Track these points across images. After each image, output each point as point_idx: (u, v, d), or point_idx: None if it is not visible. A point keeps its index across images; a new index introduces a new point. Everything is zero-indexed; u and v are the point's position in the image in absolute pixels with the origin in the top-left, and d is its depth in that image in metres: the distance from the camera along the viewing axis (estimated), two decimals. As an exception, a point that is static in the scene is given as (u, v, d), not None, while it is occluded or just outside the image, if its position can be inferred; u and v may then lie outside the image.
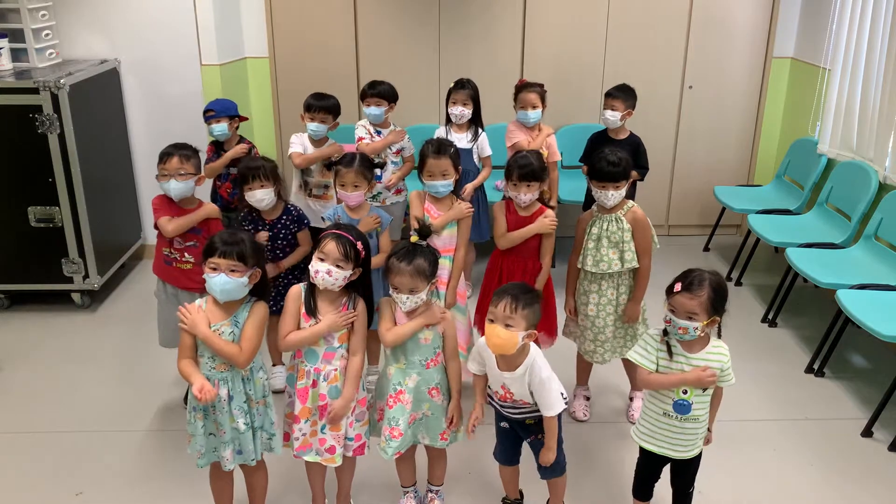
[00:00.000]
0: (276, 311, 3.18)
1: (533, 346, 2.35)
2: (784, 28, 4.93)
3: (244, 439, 2.35)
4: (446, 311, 2.51)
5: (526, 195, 2.99)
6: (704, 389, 2.28)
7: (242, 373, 2.32)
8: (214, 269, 2.23)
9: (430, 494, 2.73)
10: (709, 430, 2.39)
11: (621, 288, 3.01)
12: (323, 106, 3.78)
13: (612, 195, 2.90)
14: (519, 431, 2.51)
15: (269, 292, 2.44)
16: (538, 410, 2.38)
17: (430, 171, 3.03)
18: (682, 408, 2.29)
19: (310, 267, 2.33)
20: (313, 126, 3.78)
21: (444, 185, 3.04)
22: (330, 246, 2.30)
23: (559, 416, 2.41)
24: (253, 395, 2.35)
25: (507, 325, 2.24)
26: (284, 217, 3.19)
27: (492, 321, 2.27)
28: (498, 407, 2.48)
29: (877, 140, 3.98)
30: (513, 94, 4.03)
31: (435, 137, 3.52)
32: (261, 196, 3.08)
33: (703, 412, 2.32)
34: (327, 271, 2.29)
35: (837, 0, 4.31)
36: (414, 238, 2.45)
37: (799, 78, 4.94)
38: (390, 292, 2.41)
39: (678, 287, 2.24)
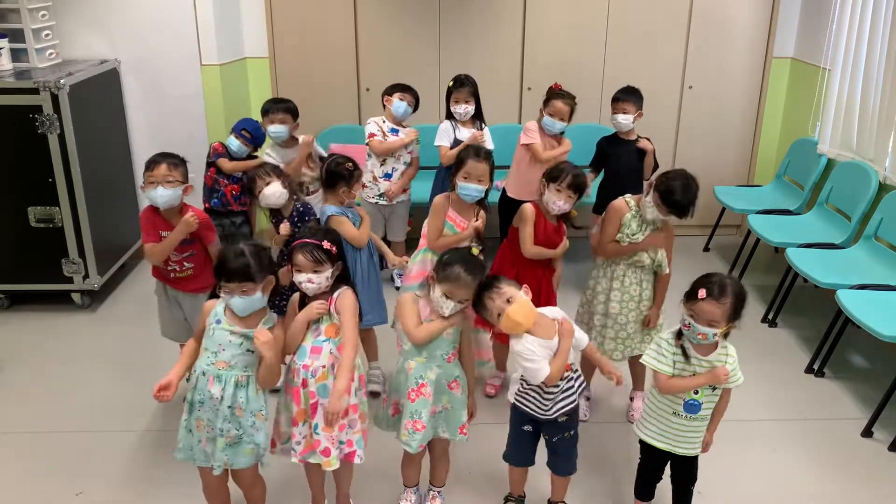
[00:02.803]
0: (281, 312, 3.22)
1: (549, 310, 2.44)
2: (784, 28, 4.93)
3: (216, 445, 2.31)
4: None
5: (565, 204, 2.98)
6: (714, 388, 2.31)
7: (238, 377, 2.29)
8: (228, 292, 2.25)
9: (431, 493, 2.73)
10: (709, 430, 2.41)
11: (644, 284, 3.01)
12: (281, 107, 3.82)
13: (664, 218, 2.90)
14: (548, 431, 2.50)
15: (279, 297, 2.47)
16: (570, 397, 2.42)
17: (467, 171, 3.01)
18: (693, 407, 2.32)
19: (293, 280, 2.38)
20: (273, 128, 3.82)
21: (477, 189, 3.02)
22: (299, 258, 2.33)
23: (577, 422, 2.49)
24: (243, 404, 2.30)
25: (509, 301, 2.32)
26: (294, 215, 3.25)
27: (499, 315, 2.33)
28: (531, 407, 2.45)
29: (877, 140, 3.98)
30: (544, 96, 3.97)
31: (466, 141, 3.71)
32: (272, 191, 3.13)
33: (711, 410, 2.37)
34: (308, 280, 2.34)
35: (837, 0, 4.31)
36: (475, 250, 2.48)
37: (799, 78, 4.94)
38: (432, 293, 2.42)
39: (703, 294, 2.22)
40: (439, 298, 2.40)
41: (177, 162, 2.99)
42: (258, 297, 2.27)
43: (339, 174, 3.06)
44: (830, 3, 4.42)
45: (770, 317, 4.13)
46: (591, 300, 3.10)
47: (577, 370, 2.46)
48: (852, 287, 3.42)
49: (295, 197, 3.31)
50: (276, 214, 3.23)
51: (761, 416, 3.29)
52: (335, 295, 2.40)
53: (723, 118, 5.09)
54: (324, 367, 2.39)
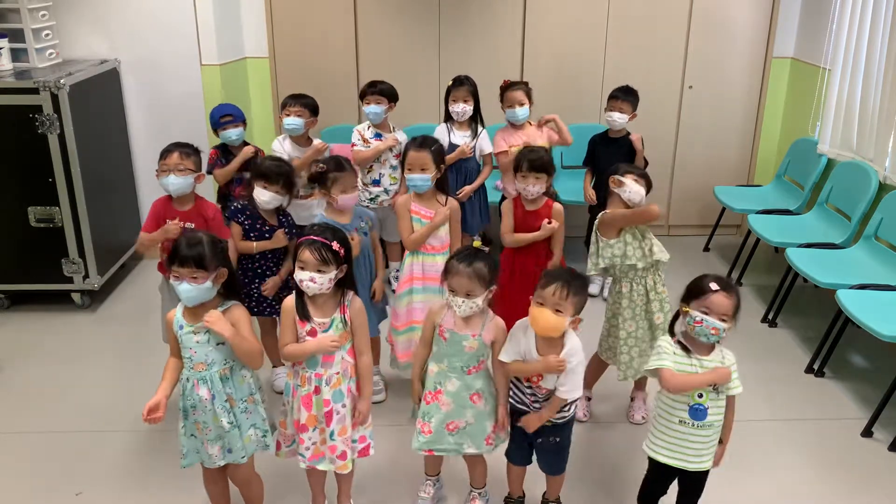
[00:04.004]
0: (266, 312, 3.20)
1: (573, 335, 2.36)
2: (784, 28, 4.93)
3: (231, 437, 2.34)
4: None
5: (534, 187, 3.05)
6: (719, 392, 2.28)
7: (220, 372, 2.30)
8: (177, 277, 2.22)
9: (472, 494, 2.73)
10: (721, 442, 2.37)
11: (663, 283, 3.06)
12: (298, 101, 3.79)
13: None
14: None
15: (240, 289, 2.43)
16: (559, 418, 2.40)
17: (409, 164, 3.07)
18: (699, 413, 2.28)
19: (294, 276, 2.35)
20: (289, 120, 3.77)
21: (421, 178, 3.05)
22: (305, 255, 2.31)
23: (572, 421, 2.46)
24: (234, 394, 2.33)
25: (557, 311, 2.28)
26: (283, 217, 3.23)
27: (541, 304, 2.29)
28: (517, 401, 2.47)
29: (877, 140, 3.98)
30: (498, 95, 4.03)
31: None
32: (268, 199, 3.10)
33: (718, 418, 2.32)
34: (310, 279, 2.30)
35: (837, 0, 4.31)
36: (477, 243, 2.48)
37: (799, 78, 4.94)
38: (446, 296, 2.41)
39: (715, 286, 2.23)
40: (449, 298, 2.39)
41: (189, 151, 3.05)
42: (207, 287, 2.24)
43: (318, 178, 3.04)
44: (830, 3, 4.41)
45: (770, 317, 4.13)
46: (641, 324, 3.02)
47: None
48: (852, 287, 3.42)
49: (282, 213, 3.26)
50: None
51: (761, 416, 3.29)
52: (346, 302, 2.40)
53: (723, 118, 5.09)
54: (337, 373, 2.40)
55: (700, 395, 2.28)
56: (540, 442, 2.50)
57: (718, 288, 2.22)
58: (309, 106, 3.84)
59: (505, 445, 2.60)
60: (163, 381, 2.33)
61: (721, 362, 2.29)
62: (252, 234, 3.16)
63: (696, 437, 2.31)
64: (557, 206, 3.15)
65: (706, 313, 2.22)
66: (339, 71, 4.93)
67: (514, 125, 4.02)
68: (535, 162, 3.02)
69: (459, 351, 2.44)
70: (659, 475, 2.45)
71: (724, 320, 2.22)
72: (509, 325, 2.47)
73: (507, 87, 3.99)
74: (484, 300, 2.40)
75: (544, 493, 2.69)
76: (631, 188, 2.88)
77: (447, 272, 2.39)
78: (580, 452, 3.00)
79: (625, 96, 4.06)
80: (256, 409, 2.40)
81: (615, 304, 3.03)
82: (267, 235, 3.17)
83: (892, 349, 3.61)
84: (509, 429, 2.55)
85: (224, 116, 3.77)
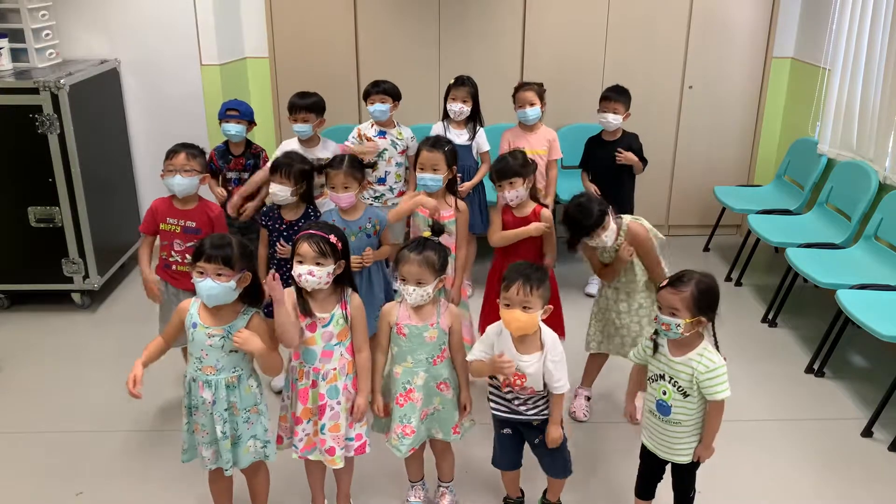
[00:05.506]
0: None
1: (546, 328, 2.37)
2: (784, 28, 4.93)
3: (221, 446, 2.33)
4: (451, 305, 2.53)
5: (510, 192, 3.04)
6: (686, 395, 2.28)
7: (227, 379, 2.29)
8: (201, 274, 2.21)
9: (440, 489, 2.74)
10: (702, 442, 2.34)
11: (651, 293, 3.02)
12: (304, 105, 3.77)
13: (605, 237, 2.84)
14: (524, 433, 2.52)
15: (262, 297, 2.40)
16: (543, 406, 2.40)
17: (421, 163, 3.09)
18: (662, 408, 2.32)
19: (293, 272, 2.33)
20: (298, 127, 3.77)
21: (432, 178, 3.08)
22: (304, 248, 2.30)
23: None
24: (238, 403, 2.32)
25: (525, 308, 2.26)
26: (303, 221, 3.20)
27: (508, 306, 2.29)
28: (501, 409, 2.47)
29: (877, 140, 3.98)
30: (511, 96, 4.05)
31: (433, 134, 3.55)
32: (274, 190, 3.13)
33: (688, 418, 2.30)
34: (308, 272, 2.29)
35: (837, 0, 4.31)
36: (426, 233, 2.49)
37: (799, 78, 4.94)
38: (398, 285, 2.43)
39: (664, 283, 2.27)
40: (401, 286, 2.40)
41: (195, 152, 3.06)
42: (230, 287, 2.22)
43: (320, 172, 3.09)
44: (830, 3, 4.41)
45: (770, 317, 4.13)
46: (634, 318, 3.06)
47: (541, 393, 2.42)
48: (852, 287, 3.41)
49: (311, 209, 3.25)
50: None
51: (761, 416, 3.29)
52: (346, 298, 2.41)
53: (723, 118, 5.09)
54: (335, 369, 2.40)
55: (664, 393, 2.31)
56: (536, 443, 2.51)
57: (666, 284, 2.25)
58: (315, 108, 3.82)
59: (485, 445, 2.61)
60: (143, 354, 2.33)
61: (692, 367, 2.25)
62: (273, 235, 3.19)
63: (666, 431, 2.34)
64: (546, 211, 3.12)
65: (660, 309, 2.26)
66: (339, 71, 4.93)
67: (525, 126, 4.03)
68: (501, 171, 3.02)
69: (421, 343, 2.44)
70: (647, 457, 2.48)
71: (674, 314, 2.21)
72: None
73: (519, 88, 4.03)
74: (434, 289, 2.40)
75: (544, 491, 2.69)
76: (601, 241, 2.83)
77: (398, 261, 2.41)
78: (580, 452, 3.00)
79: (617, 96, 4.04)
80: (259, 420, 2.39)
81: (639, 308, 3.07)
82: (284, 234, 3.18)
83: (892, 349, 3.61)
84: (470, 410, 2.55)
85: (230, 110, 3.76)
